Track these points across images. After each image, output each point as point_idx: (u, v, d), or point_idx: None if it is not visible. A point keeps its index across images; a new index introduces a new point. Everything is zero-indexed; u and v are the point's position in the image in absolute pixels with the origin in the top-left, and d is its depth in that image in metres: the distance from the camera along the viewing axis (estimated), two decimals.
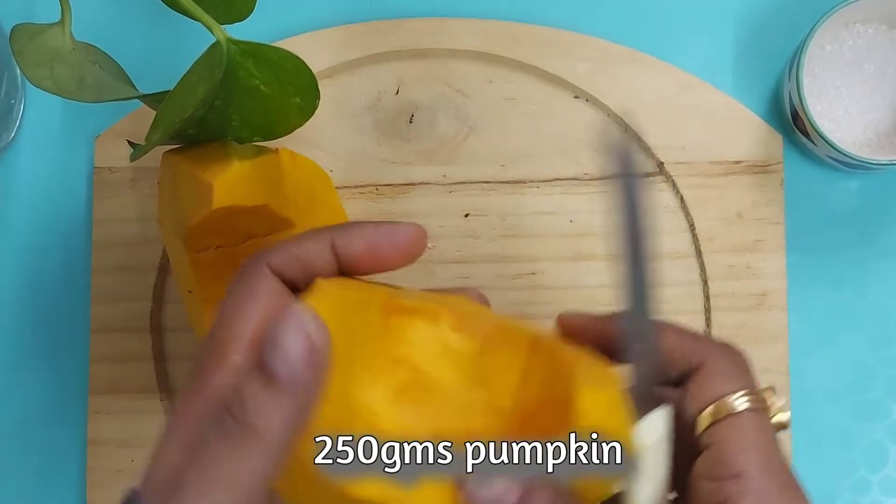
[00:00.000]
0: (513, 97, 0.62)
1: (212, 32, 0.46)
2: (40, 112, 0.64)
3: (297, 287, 0.41)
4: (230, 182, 0.48)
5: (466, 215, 0.61)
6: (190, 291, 0.53)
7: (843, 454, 0.60)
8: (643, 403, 0.40)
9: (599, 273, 0.60)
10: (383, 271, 0.42)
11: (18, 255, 0.63)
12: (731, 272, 0.60)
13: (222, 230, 0.51)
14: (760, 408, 0.41)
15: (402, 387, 0.39)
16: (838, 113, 0.59)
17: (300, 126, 0.49)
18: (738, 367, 0.42)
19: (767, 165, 0.61)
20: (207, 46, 0.46)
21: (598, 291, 0.60)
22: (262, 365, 0.37)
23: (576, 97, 0.61)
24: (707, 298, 0.60)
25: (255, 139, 0.49)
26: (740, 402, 0.40)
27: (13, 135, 0.63)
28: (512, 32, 0.61)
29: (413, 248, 0.42)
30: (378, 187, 0.61)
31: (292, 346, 0.37)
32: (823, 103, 0.59)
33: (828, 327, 0.61)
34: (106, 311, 0.61)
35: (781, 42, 0.62)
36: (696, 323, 0.60)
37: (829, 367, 0.61)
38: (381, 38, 0.61)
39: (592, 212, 0.61)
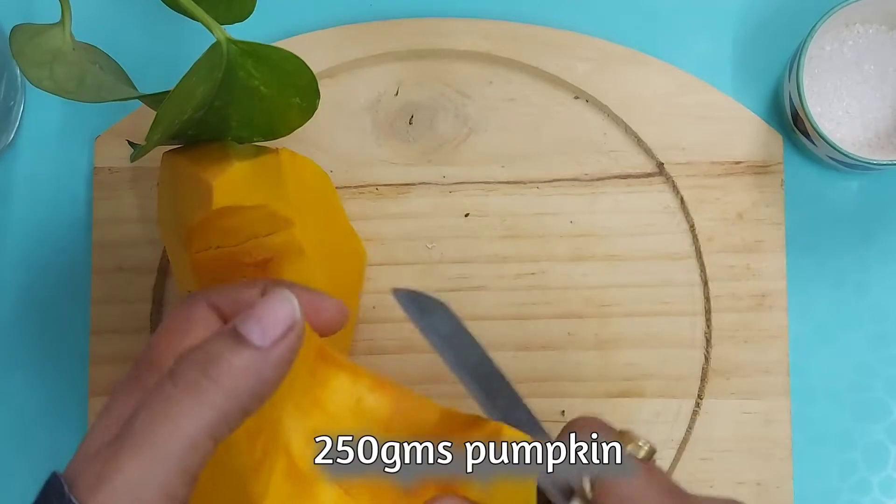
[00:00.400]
0: (513, 97, 0.62)
1: (212, 32, 0.46)
2: (40, 112, 0.64)
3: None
4: (230, 182, 0.48)
5: (466, 215, 0.61)
6: (190, 292, 0.53)
7: (843, 454, 0.60)
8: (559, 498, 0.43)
9: (599, 273, 0.60)
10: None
11: (18, 256, 0.63)
12: (731, 272, 0.60)
13: (222, 230, 0.51)
14: (623, 454, 0.42)
15: (314, 430, 0.42)
16: (838, 113, 0.59)
17: (300, 126, 0.49)
18: (587, 429, 0.44)
19: (767, 166, 0.61)
20: (207, 47, 0.46)
21: (598, 291, 0.60)
22: (236, 331, 0.37)
23: (576, 97, 0.61)
24: (707, 299, 0.60)
25: (256, 139, 0.49)
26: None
27: (13, 135, 0.63)
28: (512, 32, 0.61)
29: (333, 325, 0.44)
30: (378, 187, 0.61)
31: (271, 314, 0.38)
32: (823, 103, 0.59)
33: (828, 327, 0.61)
34: (106, 313, 0.61)
35: (781, 42, 0.62)
36: (696, 323, 0.60)
37: (830, 367, 0.61)
38: (381, 38, 0.61)
39: (592, 212, 0.61)
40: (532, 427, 0.45)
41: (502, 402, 0.44)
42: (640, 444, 0.43)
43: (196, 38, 0.48)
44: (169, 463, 0.36)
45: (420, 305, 0.45)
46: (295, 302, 0.38)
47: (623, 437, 0.43)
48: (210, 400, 0.36)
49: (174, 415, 0.36)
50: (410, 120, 0.62)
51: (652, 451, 0.43)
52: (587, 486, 0.42)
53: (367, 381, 0.44)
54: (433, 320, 0.45)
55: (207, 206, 0.48)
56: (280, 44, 0.61)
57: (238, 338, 0.38)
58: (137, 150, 0.47)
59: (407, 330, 0.59)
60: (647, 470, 0.43)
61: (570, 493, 0.43)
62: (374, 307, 0.61)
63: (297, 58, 0.46)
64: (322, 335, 0.44)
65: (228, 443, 0.38)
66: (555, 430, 0.46)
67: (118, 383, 0.40)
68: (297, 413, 0.42)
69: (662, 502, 0.41)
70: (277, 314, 0.38)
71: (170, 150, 0.52)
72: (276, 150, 0.52)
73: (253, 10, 0.48)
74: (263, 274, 0.53)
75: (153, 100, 0.49)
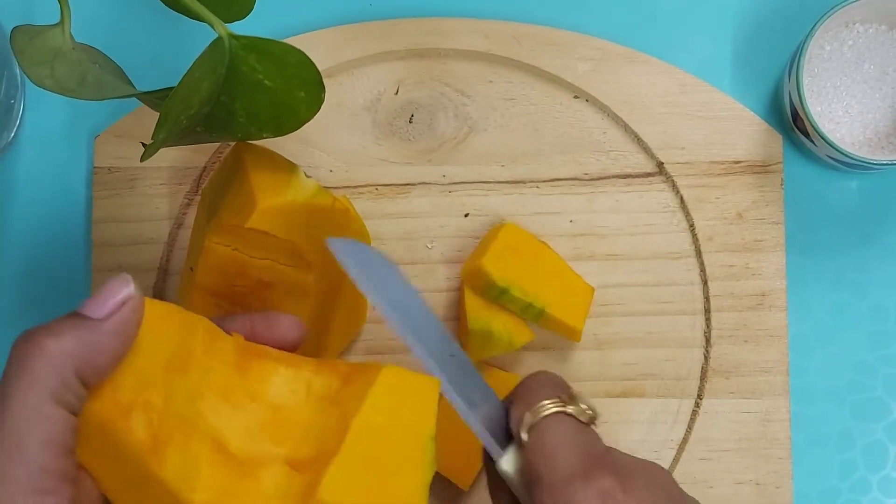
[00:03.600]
0: (512, 97, 0.62)
1: (212, 28, 0.46)
2: (40, 112, 0.64)
3: None
4: (274, 212, 0.50)
5: (466, 215, 0.61)
6: (192, 268, 0.53)
7: (842, 453, 0.61)
8: (497, 442, 0.46)
9: (599, 273, 0.60)
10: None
11: (18, 255, 0.63)
12: (730, 272, 0.60)
13: (248, 239, 0.51)
14: (561, 410, 0.45)
15: (261, 424, 0.44)
16: (838, 113, 0.59)
17: (308, 120, 0.48)
18: (540, 383, 0.46)
19: (767, 165, 0.61)
20: (206, 46, 0.46)
21: (597, 291, 0.60)
22: (75, 311, 0.41)
23: (576, 97, 0.61)
24: (707, 298, 0.60)
25: (265, 135, 0.49)
26: (542, 411, 0.44)
27: (13, 135, 0.63)
28: (512, 32, 0.61)
29: (289, 339, 0.47)
30: (378, 187, 0.61)
31: (106, 290, 0.41)
32: (823, 103, 0.59)
33: (827, 327, 0.61)
34: None
35: (781, 42, 0.62)
36: (695, 323, 0.60)
37: (829, 366, 0.61)
38: (381, 38, 0.61)
39: (592, 211, 0.61)
40: (464, 367, 0.48)
41: (436, 346, 0.48)
42: (584, 407, 0.45)
43: (195, 38, 0.48)
44: (23, 437, 0.38)
45: (357, 257, 0.48)
46: (132, 283, 0.42)
47: (572, 398, 0.45)
48: (45, 367, 0.39)
49: (13, 392, 0.39)
50: (410, 119, 0.62)
51: (593, 417, 0.45)
52: (524, 435, 0.44)
53: (310, 366, 0.46)
54: (370, 271, 0.48)
55: (243, 219, 0.49)
56: None
57: (76, 314, 0.41)
58: (147, 149, 0.47)
59: None
60: (583, 430, 0.45)
61: (507, 439, 0.46)
62: (374, 307, 0.61)
63: (299, 51, 0.46)
64: (282, 349, 0.46)
65: (137, 456, 0.40)
66: None
67: None
68: (227, 407, 0.44)
69: (581, 459, 0.43)
70: (112, 290, 0.41)
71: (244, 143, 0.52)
72: (334, 197, 0.52)
73: (252, 7, 0.48)
74: (259, 294, 0.53)
75: (155, 97, 0.49)
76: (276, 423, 0.44)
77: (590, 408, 0.45)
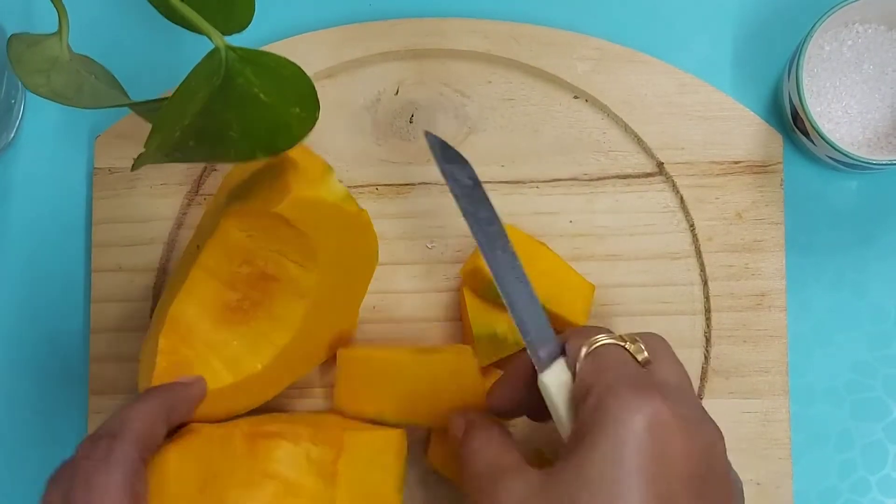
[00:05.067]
0: (512, 97, 0.62)
1: (210, 38, 0.45)
2: (40, 112, 0.64)
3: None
4: (301, 205, 0.50)
5: None
6: (198, 246, 0.54)
7: (842, 454, 0.61)
8: (543, 356, 0.48)
9: (599, 273, 0.60)
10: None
11: (18, 255, 0.63)
12: (730, 272, 0.60)
13: (264, 223, 0.52)
14: (618, 344, 0.47)
15: (274, 497, 0.51)
16: (838, 113, 0.59)
17: (301, 138, 0.47)
18: (598, 328, 0.49)
19: (767, 165, 0.61)
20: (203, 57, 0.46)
21: (597, 291, 0.60)
22: None
23: (575, 97, 0.61)
24: (707, 298, 0.60)
25: (257, 154, 0.47)
26: (601, 339, 0.47)
27: (13, 135, 0.63)
28: (511, 32, 0.61)
29: (189, 412, 0.53)
30: (378, 187, 0.61)
31: None
32: (823, 103, 0.59)
33: (827, 327, 0.61)
34: (106, 311, 0.61)
35: (781, 42, 0.62)
36: (695, 323, 0.60)
37: (828, 366, 0.61)
38: (381, 38, 0.61)
39: (592, 211, 0.61)
40: (520, 278, 0.51)
41: (500, 253, 0.51)
42: (641, 347, 0.47)
43: (193, 49, 0.47)
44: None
45: (446, 154, 0.54)
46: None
47: (630, 340, 0.47)
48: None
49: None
50: (410, 119, 0.62)
51: (648, 360, 0.47)
52: (582, 356, 0.46)
53: (307, 435, 0.53)
54: (455, 169, 0.53)
55: (274, 204, 0.50)
56: (279, 43, 0.61)
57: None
58: (138, 160, 0.47)
59: (407, 330, 0.60)
60: (635, 364, 0.46)
61: (556, 354, 0.48)
62: (374, 307, 0.61)
63: (294, 64, 0.45)
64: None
65: None
66: None
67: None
68: (247, 490, 0.51)
69: (632, 380, 0.44)
70: None
71: None
72: (359, 207, 0.53)
73: (251, 20, 0.48)
74: (258, 285, 0.54)
75: (148, 108, 0.49)
76: (289, 496, 0.52)
77: (637, 349, 0.47)
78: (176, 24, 0.48)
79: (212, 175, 0.62)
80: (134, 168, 0.47)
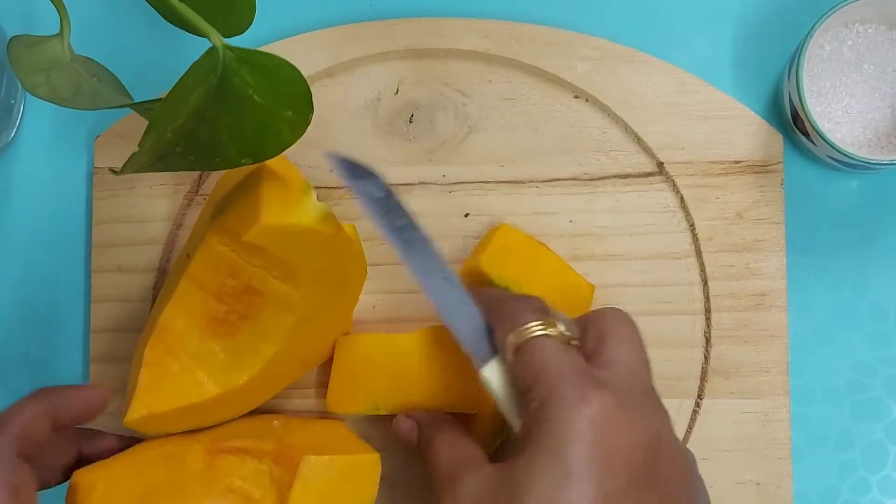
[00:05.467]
0: (512, 97, 0.62)
1: (208, 38, 0.45)
2: (40, 112, 0.64)
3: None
4: (273, 231, 0.50)
5: (466, 215, 0.61)
6: (188, 255, 0.54)
7: (842, 454, 0.61)
8: (479, 353, 0.50)
9: (599, 273, 0.60)
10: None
11: (18, 255, 0.63)
12: (730, 272, 0.60)
13: (245, 245, 0.51)
14: (544, 333, 0.48)
15: None
16: (838, 113, 0.59)
17: (290, 144, 0.47)
18: (521, 307, 0.49)
19: (767, 165, 0.61)
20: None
21: (597, 291, 0.60)
22: None
23: (575, 97, 0.61)
24: (707, 298, 0.60)
25: (244, 161, 0.47)
26: (532, 329, 0.48)
27: (13, 135, 0.63)
28: (511, 32, 0.61)
29: (86, 416, 0.53)
30: None
31: None
32: (823, 103, 0.59)
33: (827, 327, 0.61)
34: (105, 311, 0.61)
35: (781, 42, 0.62)
36: (696, 323, 0.60)
37: (829, 366, 0.61)
38: (381, 38, 0.61)
39: (592, 211, 0.61)
40: (447, 278, 0.52)
41: (422, 257, 0.52)
42: (562, 329, 0.48)
43: (193, 50, 0.47)
44: None
45: (352, 170, 0.53)
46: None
47: (552, 322, 0.48)
48: None
49: None
50: (410, 119, 0.62)
51: (571, 339, 0.48)
52: (510, 351, 0.48)
53: (270, 453, 0.54)
54: (365, 184, 0.53)
55: (244, 231, 0.49)
56: (279, 43, 0.61)
57: None
58: (125, 165, 0.46)
59: (407, 330, 0.60)
60: (565, 349, 0.47)
61: (491, 353, 0.50)
62: (374, 307, 0.61)
63: (293, 67, 0.45)
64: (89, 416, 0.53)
65: None
66: None
67: None
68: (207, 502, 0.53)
69: (570, 377, 0.45)
70: None
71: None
72: (339, 225, 0.52)
73: (251, 22, 0.48)
74: (245, 299, 0.54)
75: (147, 108, 0.49)
76: None
77: (568, 329, 0.48)
78: (176, 25, 0.47)
79: (211, 175, 0.62)
80: (120, 174, 0.46)
